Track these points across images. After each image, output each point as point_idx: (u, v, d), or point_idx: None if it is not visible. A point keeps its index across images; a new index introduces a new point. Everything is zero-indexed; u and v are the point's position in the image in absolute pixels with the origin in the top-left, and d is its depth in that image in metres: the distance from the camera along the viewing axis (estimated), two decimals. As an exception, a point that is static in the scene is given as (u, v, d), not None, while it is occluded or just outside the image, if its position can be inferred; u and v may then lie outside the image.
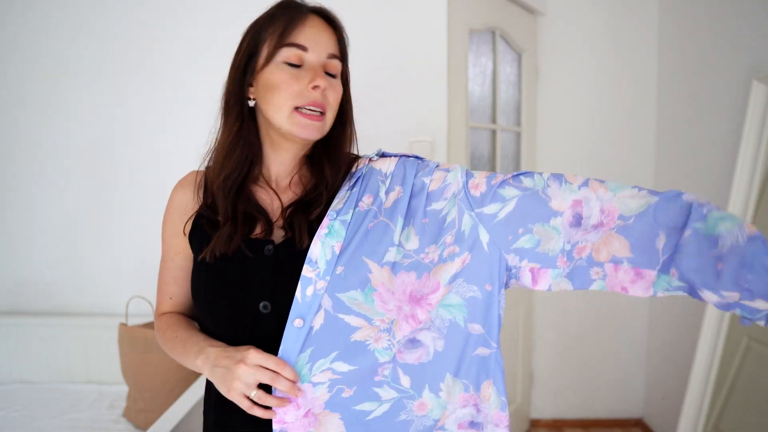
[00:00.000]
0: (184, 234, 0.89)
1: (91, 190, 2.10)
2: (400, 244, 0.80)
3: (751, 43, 1.89)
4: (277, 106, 0.80)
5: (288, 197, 0.87)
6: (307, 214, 0.82)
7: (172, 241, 0.93)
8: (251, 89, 0.84)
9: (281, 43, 0.80)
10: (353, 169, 0.88)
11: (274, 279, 0.80)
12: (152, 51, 2.03)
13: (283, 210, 0.84)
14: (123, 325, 1.71)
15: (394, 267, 0.79)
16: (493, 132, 2.31)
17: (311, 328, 0.77)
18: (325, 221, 0.80)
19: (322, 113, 0.81)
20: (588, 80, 2.53)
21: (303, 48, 0.80)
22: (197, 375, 1.68)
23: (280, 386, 0.75)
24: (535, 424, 2.71)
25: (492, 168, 2.32)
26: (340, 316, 0.77)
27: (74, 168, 2.09)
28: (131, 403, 1.75)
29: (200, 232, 0.87)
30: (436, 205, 0.82)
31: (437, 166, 0.85)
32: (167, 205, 0.95)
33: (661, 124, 2.49)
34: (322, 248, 0.78)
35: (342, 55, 0.85)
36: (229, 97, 0.86)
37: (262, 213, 0.84)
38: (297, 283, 0.78)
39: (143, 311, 1.91)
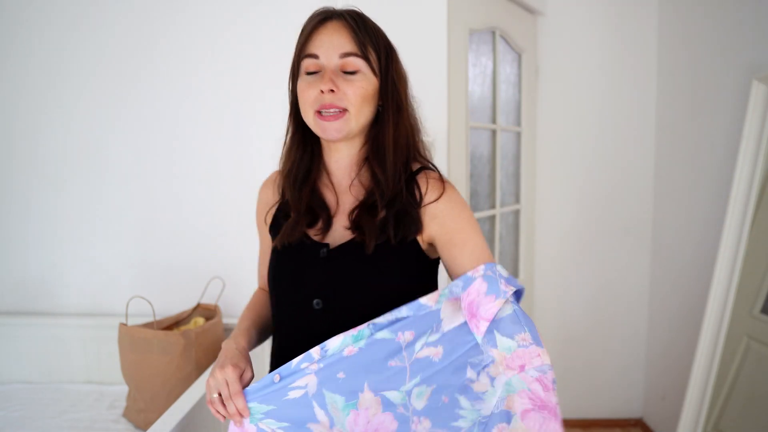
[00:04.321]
0: (266, 225, 1.03)
1: (91, 190, 2.10)
2: (407, 393, 0.81)
3: (751, 43, 1.89)
4: (304, 113, 0.89)
5: (349, 199, 0.94)
6: (373, 217, 0.88)
7: (261, 231, 1.08)
8: None
9: (301, 56, 0.90)
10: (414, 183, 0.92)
11: (327, 280, 0.89)
12: (154, 50, 2.03)
13: (350, 213, 0.91)
14: (123, 325, 1.71)
15: (385, 403, 0.81)
16: (493, 132, 2.31)
17: (288, 391, 0.83)
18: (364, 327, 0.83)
19: (342, 111, 0.86)
20: (588, 80, 2.53)
21: (315, 56, 0.87)
22: (197, 375, 1.68)
23: (228, 409, 0.86)
24: (535, 424, 2.71)
25: (492, 168, 2.32)
26: (313, 402, 0.82)
27: (73, 167, 2.09)
28: (131, 403, 1.75)
29: (278, 222, 0.99)
30: (462, 401, 0.80)
31: (489, 365, 0.81)
32: (257, 200, 1.09)
33: (661, 124, 2.49)
34: (341, 341, 0.83)
35: (363, 51, 0.87)
36: (289, 103, 0.96)
37: (324, 209, 0.93)
38: (350, 284, 0.87)
39: (143, 311, 1.91)
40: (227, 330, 1.99)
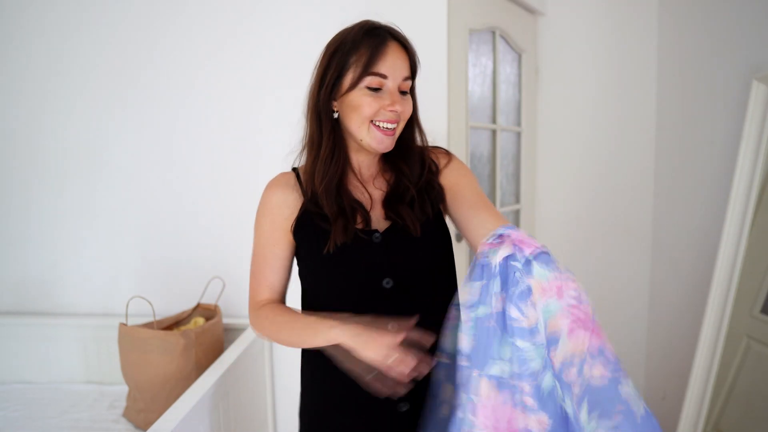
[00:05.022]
0: (290, 229, 1.04)
1: (91, 190, 2.10)
2: (505, 359, 0.79)
3: (750, 43, 1.89)
4: (358, 123, 0.97)
5: (375, 192, 1.05)
6: (405, 204, 1.00)
7: (271, 234, 1.06)
8: (335, 103, 1.00)
9: (366, 71, 0.95)
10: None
11: (389, 259, 0.98)
12: (154, 50, 2.03)
13: (383, 202, 1.03)
14: (123, 325, 1.71)
15: (499, 384, 0.79)
16: (493, 132, 2.31)
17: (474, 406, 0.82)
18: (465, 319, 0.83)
19: (396, 125, 0.99)
20: (588, 80, 2.53)
21: (384, 76, 0.96)
22: (197, 375, 1.68)
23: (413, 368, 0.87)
24: (535, 424, 2.71)
25: (492, 168, 2.32)
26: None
27: (73, 167, 2.09)
28: (131, 403, 1.75)
29: (310, 225, 1.01)
30: (519, 342, 0.78)
31: (528, 297, 0.80)
32: (264, 202, 1.07)
33: (661, 123, 2.49)
34: (467, 337, 0.82)
35: (413, 75, 1.01)
36: (320, 114, 1.00)
37: (358, 205, 1.01)
38: (410, 259, 0.97)
39: (143, 311, 1.91)
40: (227, 330, 1.99)
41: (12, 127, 2.10)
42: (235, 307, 2.07)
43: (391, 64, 0.96)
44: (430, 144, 1.12)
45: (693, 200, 2.24)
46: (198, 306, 1.93)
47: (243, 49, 2.01)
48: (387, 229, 1.00)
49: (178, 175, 2.07)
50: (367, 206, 1.03)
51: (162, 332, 1.67)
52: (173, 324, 1.87)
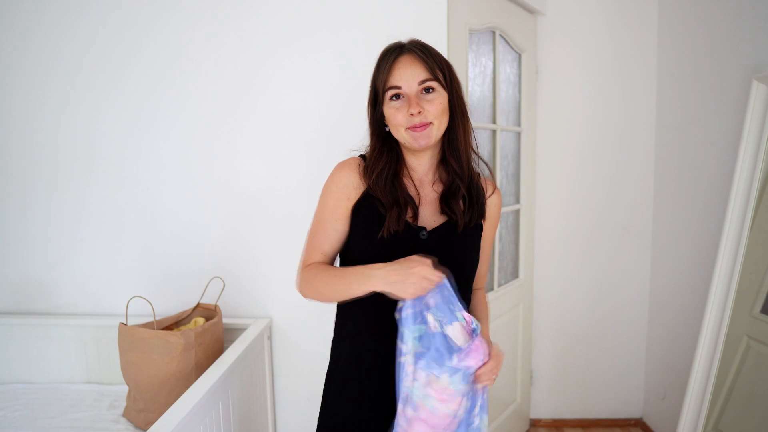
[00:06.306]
0: (348, 208, 1.14)
1: (91, 190, 2.10)
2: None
3: (751, 43, 1.89)
4: (396, 131, 1.12)
5: (430, 192, 1.17)
6: (458, 201, 1.14)
7: (336, 209, 1.16)
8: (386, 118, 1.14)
9: (384, 88, 1.11)
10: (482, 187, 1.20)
11: (433, 255, 1.07)
12: (153, 49, 2.03)
13: (440, 199, 1.16)
14: (123, 325, 1.71)
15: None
16: (493, 132, 2.31)
17: None
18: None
19: (428, 124, 1.09)
20: (588, 80, 2.53)
21: (398, 87, 1.09)
22: (197, 375, 1.69)
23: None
24: (535, 423, 2.71)
25: (492, 168, 2.32)
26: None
27: (73, 168, 2.09)
28: (131, 403, 1.75)
29: (370, 208, 1.12)
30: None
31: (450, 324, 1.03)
32: (334, 179, 1.17)
33: (661, 123, 2.49)
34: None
35: (434, 74, 1.09)
36: (371, 126, 1.18)
37: (410, 200, 1.13)
38: (447, 258, 1.07)
39: (143, 311, 1.91)
40: (227, 330, 1.99)
41: (8, 128, 2.10)
42: (236, 307, 2.07)
43: (401, 74, 1.08)
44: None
45: (693, 200, 2.24)
46: (198, 306, 1.93)
47: (240, 48, 2.00)
48: (436, 228, 1.13)
49: (178, 175, 2.07)
50: (419, 202, 1.15)
51: (162, 332, 1.67)
52: (173, 324, 1.87)
